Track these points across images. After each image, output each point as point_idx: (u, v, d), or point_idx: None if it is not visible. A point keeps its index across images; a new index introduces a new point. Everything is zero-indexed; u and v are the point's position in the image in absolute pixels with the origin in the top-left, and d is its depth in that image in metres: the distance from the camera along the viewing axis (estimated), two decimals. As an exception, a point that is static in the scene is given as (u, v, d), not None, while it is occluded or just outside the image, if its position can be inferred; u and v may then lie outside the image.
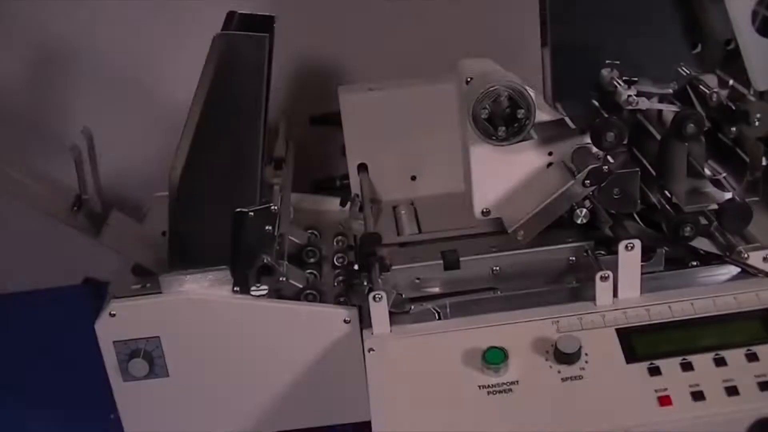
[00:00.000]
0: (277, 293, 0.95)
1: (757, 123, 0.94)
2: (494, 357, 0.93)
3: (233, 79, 0.92)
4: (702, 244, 1.02)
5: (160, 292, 0.93)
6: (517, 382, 0.93)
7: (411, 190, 1.17)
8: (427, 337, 0.97)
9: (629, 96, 0.90)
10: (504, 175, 1.00)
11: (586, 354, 0.94)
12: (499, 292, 1.02)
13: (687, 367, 0.93)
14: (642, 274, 1.01)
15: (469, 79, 0.97)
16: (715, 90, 0.89)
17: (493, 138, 0.88)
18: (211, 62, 0.91)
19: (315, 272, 1.01)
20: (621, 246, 0.96)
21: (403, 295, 1.01)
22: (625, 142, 0.93)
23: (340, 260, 1.03)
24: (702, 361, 0.94)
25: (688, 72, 0.95)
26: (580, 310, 0.98)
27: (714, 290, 1.00)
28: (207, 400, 1.01)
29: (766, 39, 0.93)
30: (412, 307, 1.00)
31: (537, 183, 0.95)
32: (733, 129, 0.94)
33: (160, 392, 1.00)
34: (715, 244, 1.02)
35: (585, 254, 0.95)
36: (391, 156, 1.20)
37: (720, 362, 0.93)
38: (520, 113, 0.88)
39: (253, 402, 1.01)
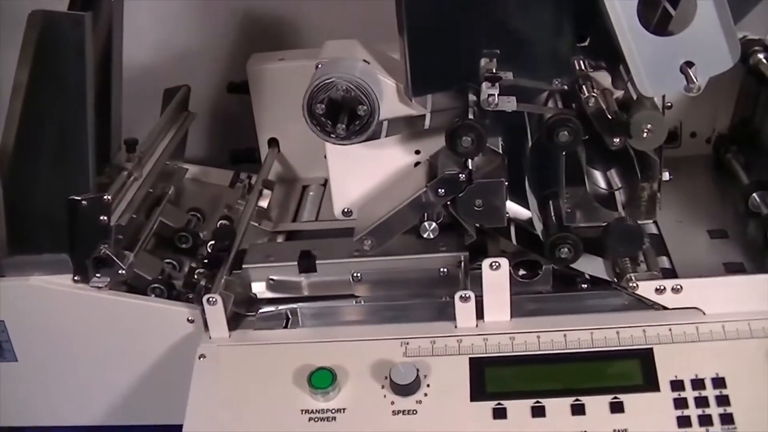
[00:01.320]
0: (127, 284, 0.88)
1: (646, 134, 0.78)
2: (320, 380, 0.84)
3: (53, 59, 0.85)
4: (594, 266, 0.88)
5: (3, 276, 0.88)
6: (344, 410, 0.83)
7: (325, 170, 1.06)
8: (265, 347, 0.89)
9: (489, 95, 0.76)
10: (366, 172, 0.89)
11: (428, 385, 0.83)
12: (361, 302, 0.90)
13: (538, 412, 0.81)
14: (526, 294, 0.88)
15: (319, 65, 0.86)
16: (594, 93, 0.74)
17: (332, 136, 0.77)
18: (29, 41, 0.84)
19: (174, 262, 0.93)
20: (485, 264, 0.84)
21: (257, 296, 0.93)
22: (483, 147, 0.79)
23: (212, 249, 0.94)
24: (557, 406, 0.81)
25: (582, 68, 0.79)
26: (436, 332, 0.87)
27: (596, 321, 0.86)
28: (54, 388, 0.97)
29: (657, 36, 0.77)
30: (262, 310, 0.91)
31: (399, 185, 0.83)
32: (616, 140, 0.79)
33: (9, 376, 0.97)
34: (606, 267, 0.87)
35: (458, 266, 0.83)
36: (302, 132, 1.10)
37: (577, 410, 0.81)
38: (361, 110, 0.76)
39: (97, 394, 0.96)
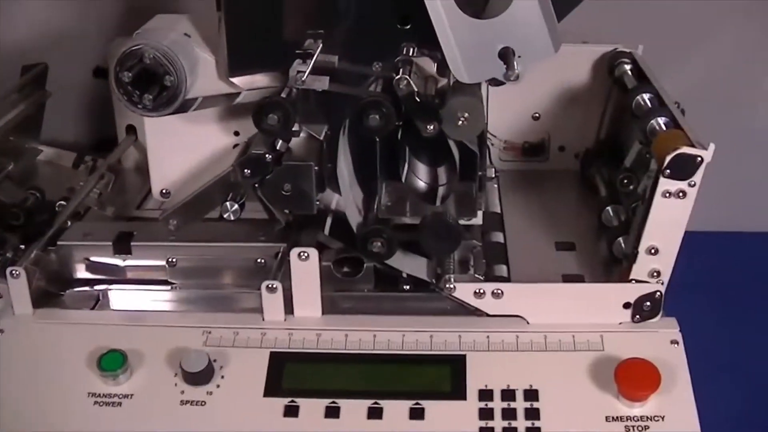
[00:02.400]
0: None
1: (461, 122, 0.74)
2: (110, 363, 0.79)
3: None
4: (416, 266, 0.83)
5: None
6: (131, 396, 0.78)
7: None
8: (65, 326, 0.83)
9: (299, 72, 0.72)
10: (185, 152, 0.85)
11: (223, 377, 0.78)
12: (177, 288, 0.86)
13: (332, 413, 0.76)
14: (345, 291, 0.84)
15: (135, 34, 0.82)
16: (407, 76, 0.70)
17: (140, 107, 0.73)
18: None
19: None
20: (293, 254, 0.80)
21: (75, 275, 0.88)
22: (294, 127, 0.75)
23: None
24: (354, 408, 0.76)
25: (406, 53, 0.75)
26: (241, 323, 0.82)
27: (411, 323, 0.81)
28: None
29: (474, 19, 0.73)
30: (73, 290, 0.86)
31: (215, 166, 0.79)
32: (429, 127, 0.75)
33: None
34: (428, 269, 0.83)
35: (275, 257, 0.78)
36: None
37: (374, 414, 0.75)
38: (168, 80, 0.72)
39: None
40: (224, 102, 0.78)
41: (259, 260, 0.82)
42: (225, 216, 0.79)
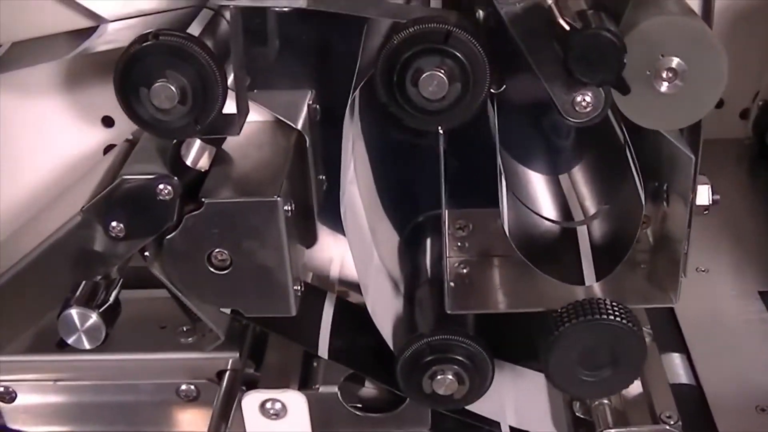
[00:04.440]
0: None
1: (667, 76, 0.27)
2: None
3: None
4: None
5: None
6: None
7: None
8: None
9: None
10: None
11: None
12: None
13: None
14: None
15: None
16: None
17: None
18: None
19: None
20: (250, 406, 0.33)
21: None
22: None
23: None
24: None
25: None
26: None
27: None
28: None
29: None
30: None
31: (64, 200, 0.32)
32: (584, 99, 0.27)
33: None
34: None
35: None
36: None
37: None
38: None
39: None
40: (65, 49, 0.31)
41: (182, 388, 0.39)
42: (71, 342, 0.32)
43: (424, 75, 0.30)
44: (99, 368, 0.41)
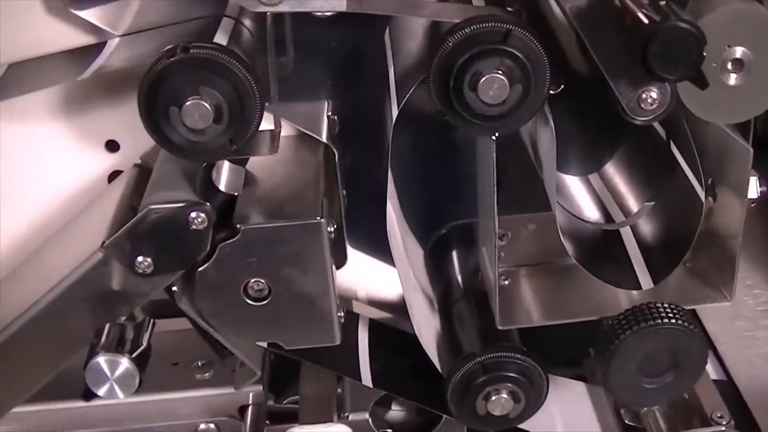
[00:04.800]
0: None
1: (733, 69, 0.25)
2: None
3: None
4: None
5: None
6: None
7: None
8: None
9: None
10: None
11: None
12: None
13: None
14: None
15: None
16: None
17: None
18: None
19: None
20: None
21: None
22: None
23: None
24: None
25: None
26: None
27: None
28: None
29: None
30: None
31: (68, 232, 0.28)
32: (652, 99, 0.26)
33: None
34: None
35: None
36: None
37: None
38: None
39: None
40: (69, 71, 0.27)
41: (201, 427, 0.39)
42: (101, 393, 0.29)
43: (483, 78, 0.28)
44: (109, 414, 0.38)
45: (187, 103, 0.28)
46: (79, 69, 0.31)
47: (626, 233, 0.36)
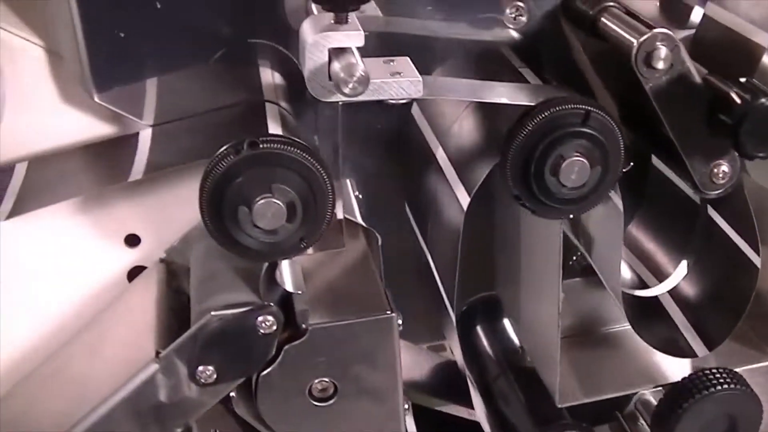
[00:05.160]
0: None
1: None
2: None
3: None
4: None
5: None
6: None
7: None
8: None
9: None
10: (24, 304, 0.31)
11: None
12: None
13: None
14: None
15: None
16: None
17: None
18: None
19: None
20: None
21: None
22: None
23: None
24: None
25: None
26: None
27: None
28: None
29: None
30: None
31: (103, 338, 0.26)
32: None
33: None
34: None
35: None
36: None
37: None
38: None
39: None
40: (103, 179, 0.26)
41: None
42: None
43: (565, 162, 0.27)
44: None
45: (259, 203, 0.26)
46: (110, 175, 0.28)
47: (664, 297, 0.35)
